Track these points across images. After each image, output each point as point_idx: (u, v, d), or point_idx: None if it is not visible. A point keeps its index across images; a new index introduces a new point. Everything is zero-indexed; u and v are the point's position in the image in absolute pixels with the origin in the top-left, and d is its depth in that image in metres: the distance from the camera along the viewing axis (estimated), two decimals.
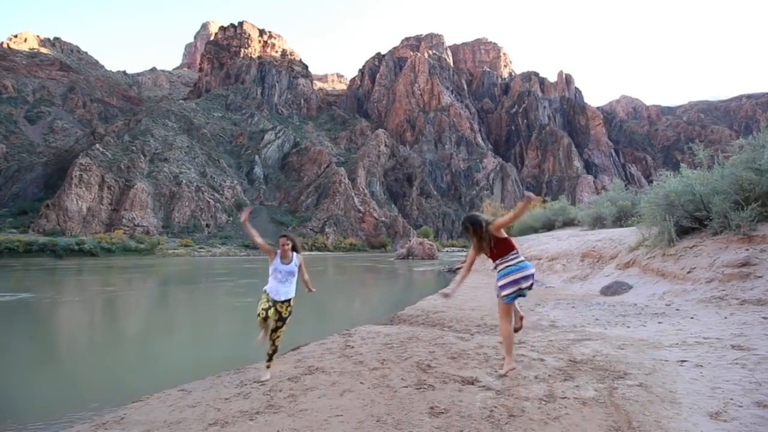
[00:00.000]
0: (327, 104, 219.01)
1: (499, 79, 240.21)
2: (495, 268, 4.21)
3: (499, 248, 4.17)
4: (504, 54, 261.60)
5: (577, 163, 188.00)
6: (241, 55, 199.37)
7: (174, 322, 12.56)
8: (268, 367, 4.69)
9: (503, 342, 4.25)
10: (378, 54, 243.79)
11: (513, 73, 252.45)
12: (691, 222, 9.12)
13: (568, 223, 22.82)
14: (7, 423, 4.50)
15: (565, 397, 3.56)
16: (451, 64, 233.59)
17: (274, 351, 4.69)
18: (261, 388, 4.38)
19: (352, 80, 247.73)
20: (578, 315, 7.80)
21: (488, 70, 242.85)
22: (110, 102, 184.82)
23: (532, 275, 4.07)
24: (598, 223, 18.71)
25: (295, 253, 4.73)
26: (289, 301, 4.65)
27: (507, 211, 31.59)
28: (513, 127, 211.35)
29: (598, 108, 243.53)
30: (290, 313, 4.70)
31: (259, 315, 4.52)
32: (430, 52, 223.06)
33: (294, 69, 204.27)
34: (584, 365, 4.47)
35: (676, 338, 5.35)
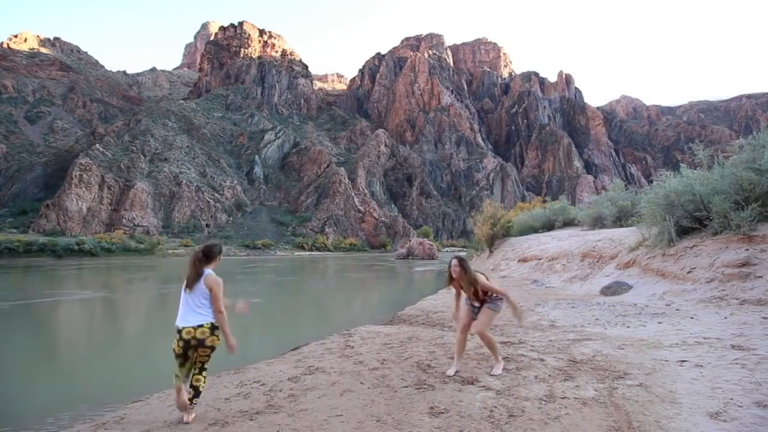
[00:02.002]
0: (327, 104, 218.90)
1: (499, 79, 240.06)
2: (482, 304, 4.71)
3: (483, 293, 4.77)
4: (504, 54, 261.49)
5: (577, 163, 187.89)
6: (241, 55, 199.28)
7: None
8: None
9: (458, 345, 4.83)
10: (378, 54, 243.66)
11: (513, 73, 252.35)
12: (691, 222, 9.11)
13: (568, 223, 22.81)
14: (7, 423, 4.50)
15: (565, 397, 3.56)
16: (451, 64, 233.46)
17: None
18: (261, 388, 4.39)
19: (352, 80, 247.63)
20: (578, 315, 7.80)
21: (488, 70, 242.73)
22: (110, 102, 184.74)
23: None
24: (598, 223, 18.69)
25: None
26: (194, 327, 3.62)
27: (507, 211, 31.54)
28: (513, 127, 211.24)
29: (598, 108, 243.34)
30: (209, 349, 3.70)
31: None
32: (430, 52, 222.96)
33: (294, 69, 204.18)
34: (584, 365, 4.47)
35: (676, 338, 5.35)
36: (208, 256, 3.82)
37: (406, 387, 4.08)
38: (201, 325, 3.58)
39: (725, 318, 6.05)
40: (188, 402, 3.61)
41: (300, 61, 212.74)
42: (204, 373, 3.77)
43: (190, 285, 3.68)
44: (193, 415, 3.67)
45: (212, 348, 3.68)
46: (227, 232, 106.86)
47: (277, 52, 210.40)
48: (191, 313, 3.64)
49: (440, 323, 7.95)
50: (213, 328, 3.63)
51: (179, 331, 3.59)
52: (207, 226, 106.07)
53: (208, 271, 3.74)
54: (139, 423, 3.68)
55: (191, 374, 3.71)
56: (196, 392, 3.72)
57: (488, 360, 4.93)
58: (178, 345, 3.59)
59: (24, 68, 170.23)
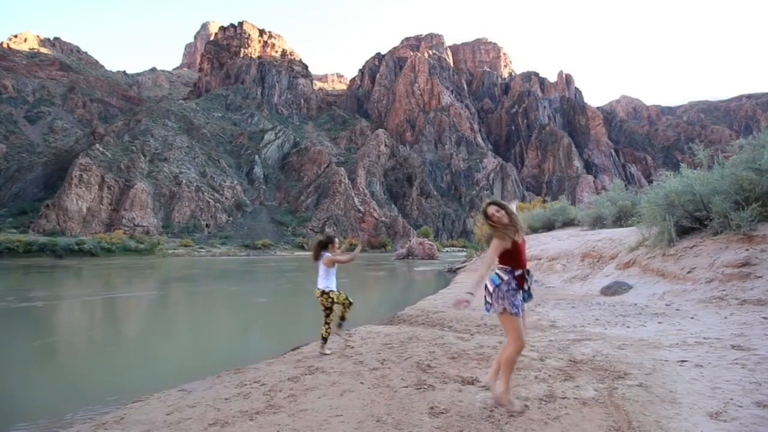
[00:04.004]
0: (327, 104, 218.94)
1: (499, 79, 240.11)
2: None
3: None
4: (504, 54, 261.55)
5: (577, 163, 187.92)
6: (241, 55, 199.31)
7: (175, 322, 12.57)
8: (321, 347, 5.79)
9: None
10: (378, 54, 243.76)
11: (513, 73, 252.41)
12: (691, 222, 9.11)
13: (568, 223, 22.80)
14: (7, 423, 4.50)
15: (565, 397, 3.56)
16: (451, 64, 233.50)
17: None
18: (261, 388, 4.38)
19: (352, 80, 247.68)
20: (578, 315, 7.80)
21: (488, 70, 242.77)
22: (110, 102, 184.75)
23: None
24: (598, 223, 18.69)
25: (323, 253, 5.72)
26: (321, 291, 5.60)
27: None
28: (513, 127, 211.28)
29: (598, 108, 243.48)
30: (329, 303, 5.60)
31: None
32: (430, 52, 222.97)
33: (294, 69, 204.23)
34: (584, 365, 4.47)
35: (676, 338, 5.35)
36: (323, 244, 5.69)
37: (406, 387, 4.08)
38: (318, 289, 5.58)
39: (725, 318, 6.05)
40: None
41: (300, 61, 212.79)
42: (327, 319, 5.60)
43: (315, 261, 5.68)
44: (345, 339, 6.25)
45: (324, 306, 5.54)
46: (227, 232, 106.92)
47: (277, 52, 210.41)
48: (318, 280, 5.61)
49: (440, 323, 7.95)
50: (322, 292, 5.53)
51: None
52: (207, 226, 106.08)
53: (326, 254, 5.59)
54: (139, 423, 3.68)
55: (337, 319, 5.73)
56: (341, 318, 5.77)
57: (488, 360, 4.93)
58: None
59: (24, 68, 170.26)
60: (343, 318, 5.80)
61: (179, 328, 11.53)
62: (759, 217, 7.71)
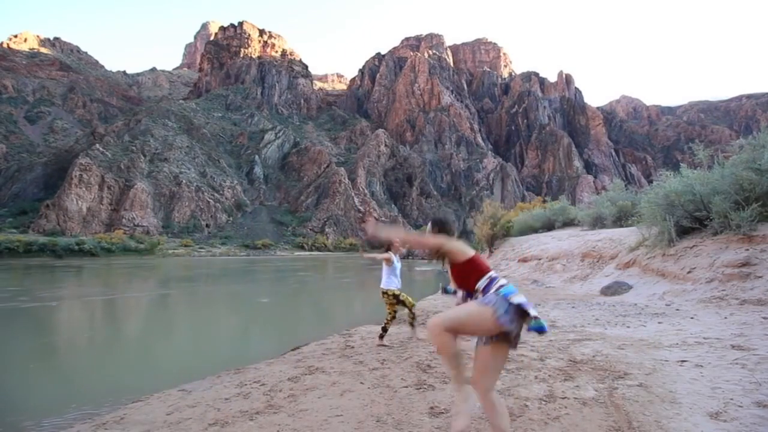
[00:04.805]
0: (327, 104, 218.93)
1: (499, 79, 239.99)
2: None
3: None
4: (504, 54, 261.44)
5: (577, 163, 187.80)
6: (241, 55, 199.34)
7: (176, 321, 12.56)
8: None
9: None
10: (378, 54, 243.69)
11: (513, 73, 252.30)
12: (691, 222, 9.11)
13: (568, 223, 22.79)
14: (7, 423, 4.49)
15: (565, 397, 3.56)
16: (451, 64, 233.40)
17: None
18: (261, 388, 4.38)
19: (352, 80, 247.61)
20: (578, 315, 7.79)
21: (488, 70, 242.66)
22: (110, 102, 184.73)
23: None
24: (598, 223, 18.68)
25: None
26: (382, 291, 6.07)
27: (507, 211, 31.45)
28: (513, 127, 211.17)
29: (598, 108, 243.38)
30: (391, 300, 6.04)
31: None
32: (430, 52, 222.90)
33: (294, 69, 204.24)
34: (584, 365, 4.47)
35: (676, 338, 5.35)
36: (386, 248, 6.19)
37: (406, 387, 4.08)
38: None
39: (725, 318, 6.05)
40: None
41: (300, 61, 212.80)
42: (388, 316, 6.03)
43: None
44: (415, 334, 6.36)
45: (387, 303, 6.03)
46: (227, 232, 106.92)
47: (277, 52, 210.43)
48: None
49: None
50: (383, 293, 6.04)
51: None
52: (207, 226, 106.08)
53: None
54: (139, 423, 3.68)
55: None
56: (382, 329, 6.17)
57: None
58: None
59: (24, 68, 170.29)
60: (384, 329, 6.11)
61: (180, 327, 11.53)
62: (759, 217, 7.71)
